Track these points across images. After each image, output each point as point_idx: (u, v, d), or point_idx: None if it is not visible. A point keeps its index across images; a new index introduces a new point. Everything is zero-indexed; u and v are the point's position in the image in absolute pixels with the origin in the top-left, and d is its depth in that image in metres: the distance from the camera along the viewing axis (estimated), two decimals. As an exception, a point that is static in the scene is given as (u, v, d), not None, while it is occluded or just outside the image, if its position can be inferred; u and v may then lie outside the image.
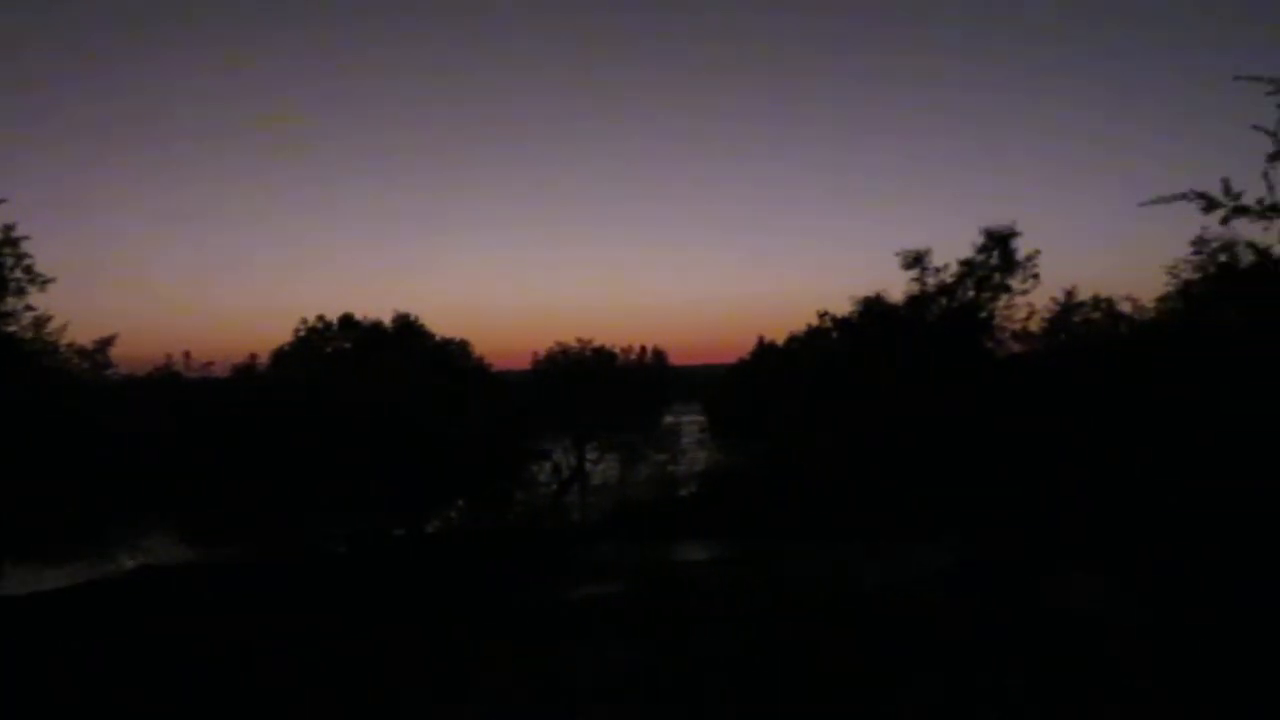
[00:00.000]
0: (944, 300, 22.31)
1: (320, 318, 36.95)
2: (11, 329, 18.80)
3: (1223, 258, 18.71)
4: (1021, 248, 22.05)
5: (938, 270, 22.38)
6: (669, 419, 47.04)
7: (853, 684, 11.51)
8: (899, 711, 10.75)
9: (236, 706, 13.22)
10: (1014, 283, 21.85)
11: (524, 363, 45.83)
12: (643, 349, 46.54)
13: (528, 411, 38.36)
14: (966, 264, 22.10)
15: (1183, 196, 6.82)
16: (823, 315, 30.84)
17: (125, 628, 18.32)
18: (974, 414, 19.98)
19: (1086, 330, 20.39)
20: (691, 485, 41.52)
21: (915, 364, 21.46)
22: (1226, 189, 6.46)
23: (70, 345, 19.96)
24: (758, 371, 42.21)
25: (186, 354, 26.68)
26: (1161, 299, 20.15)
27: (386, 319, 37.77)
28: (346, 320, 37.30)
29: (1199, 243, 18.41)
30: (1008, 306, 21.98)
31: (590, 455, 44.63)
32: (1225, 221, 6.54)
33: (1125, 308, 20.55)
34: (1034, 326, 21.53)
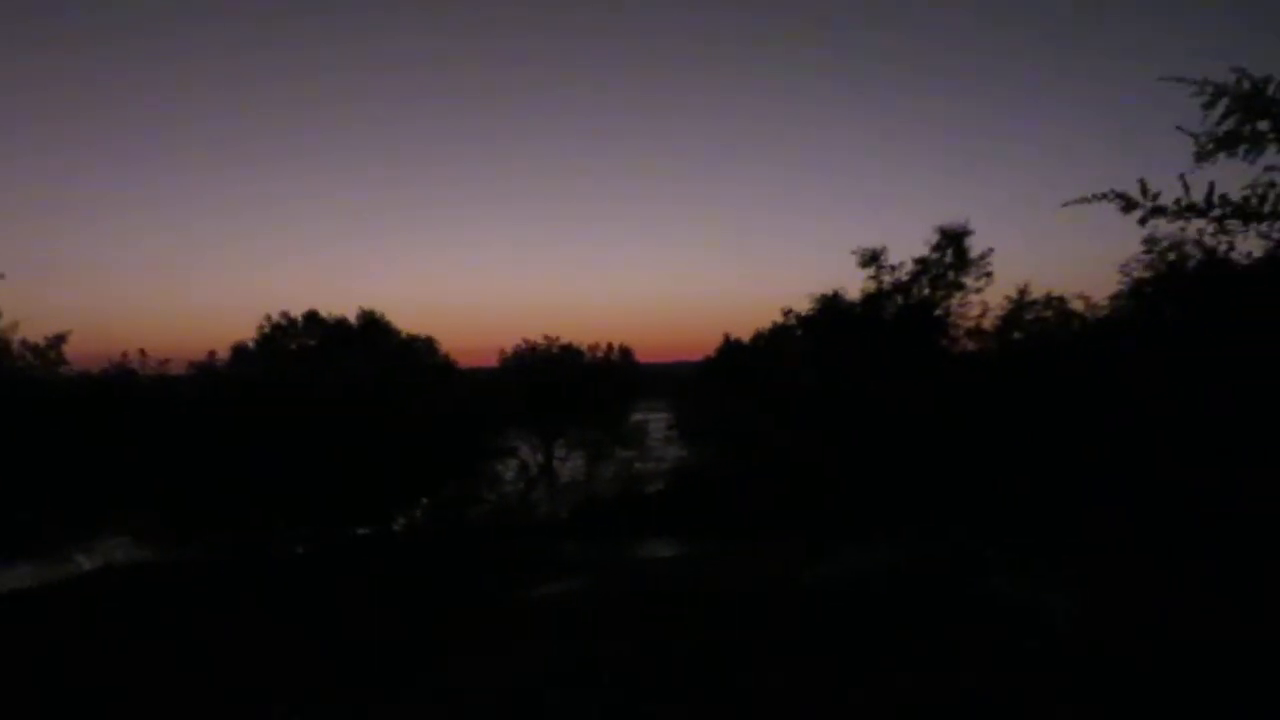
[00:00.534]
0: (899, 298, 22.56)
1: (285, 315, 36.76)
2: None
3: (1172, 257, 19.02)
4: (975, 246, 22.34)
5: (893, 268, 22.64)
6: (636, 416, 47.15)
7: (800, 680, 11.64)
8: (847, 707, 10.89)
9: (194, 704, 13.22)
10: (968, 280, 22.13)
11: (491, 360, 45.88)
12: (609, 346, 46.66)
13: (494, 409, 38.31)
14: (921, 262, 22.34)
15: (1103, 197, 6.96)
16: (787, 313, 30.98)
17: (99, 627, 18.23)
18: (928, 411, 20.22)
19: (1039, 328, 20.68)
20: (658, 483, 41.61)
21: (871, 361, 21.67)
22: (1144, 190, 6.59)
23: (23, 342, 19.76)
24: (724, 369, 42.32)
25: (141, 351, 26.38)
26: (1114, 297, 20.45)
27: (351, 316, 37.68)
28: (311, 317, 37.12)
29: (1150, 242, 18.72)
30: (962, 304, 22.26)
31: (558, 453, 44.70)
32: (1143, 222, 6.68)
33: (1078, 306, 20.84)
34: (987, 324, 21.81)
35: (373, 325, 37.09)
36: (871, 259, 22.50)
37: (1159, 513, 15.80)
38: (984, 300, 22.05)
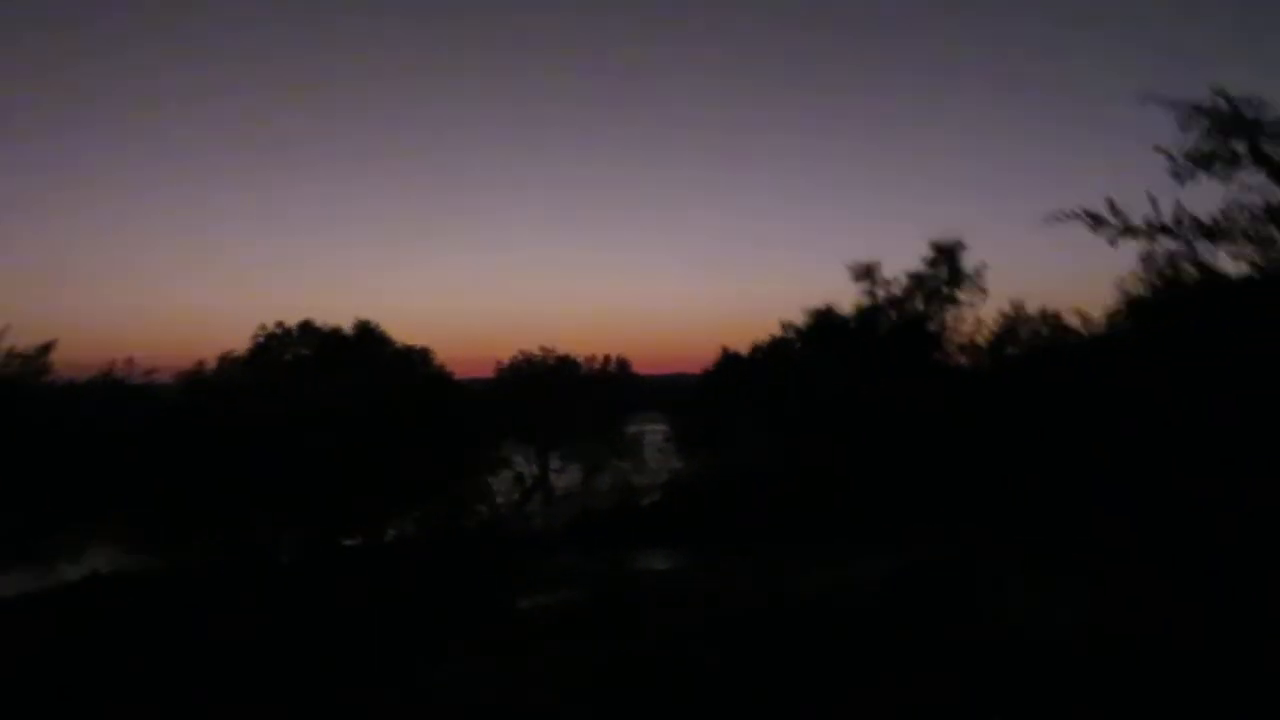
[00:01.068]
0: (893, 313, 22.45)
1: (280, 324, 36.64)
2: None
3: (1169, 274, 18.86)
4: (969, 260, 22.22)
5: (887, 282, 22.55)
6: (633, 428, 46.98)
7: (790, 691, 11.54)
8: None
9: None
10: (961, 295, 22.03)
11: (488, 371, 45.77)
12: (606, 358, 46.57)
13: (490, 420, 38.17)
14: (915, 277, 22.25)
15: (1074, 215, 6.84)
16: (786, 326, 30.92)
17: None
18: (922, 425, 20.10)
19: (1034, 343, 20.53)
20: (654, 494, 41.42)
21: (866, 376, 21.56)
22: (1112, 208, 6.49)
23: (11, 350, 19.69)
24: (721, 381, 42.19)
25: (129, 359, 26.26)
26: (1111, 314, 20.32)
27: (347, 326, 37.54)
28: (306, 327, 36.98)
29: (1147, 259, 18.55)
30: (956, 319, 22.13)
31: (553, 464, 44.53)
32: (1113, 242, 6.56)
33: (1073, 321, 20.68)
34: (981, 339, 21.66)
35: (368, 335, 36.87)
36: (865, 273, 22.44)
37: (1162, 521, 15.66)
38: (978, 315, 21.95)
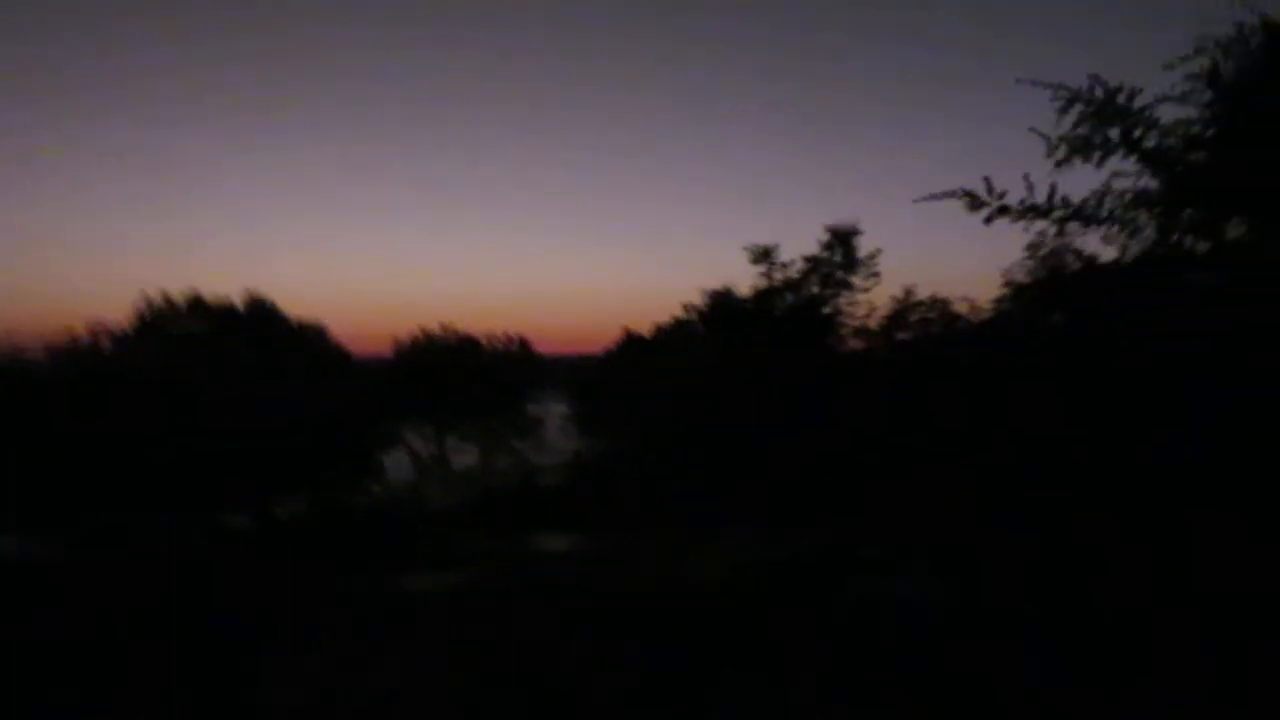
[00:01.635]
0: (789, 295, 22.66)
1: (165, 297, 35.28)
2: None
3: (1052, 262, 19.40)
4: (864, 246, 22.54)
5: (784, 265, 22.71)
6: (534, 408, 46.80)
7: (669, 678, 11.49)
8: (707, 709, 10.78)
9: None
10: (856, 280, 22.33)
11: (387, 350, 44.97)
12: (508, 337, 46.14)
13: (387, 398, 37.50)
14: (811, 260, 22.45)
15: (951, 194, 6.87)
16: (687, 308, 30.94)
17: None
18: (817, 407, 20.34)
19: (923, 328, 20.99)
20: (555, 475, 41.28)
21: (762, 357, 21.73)
22: (989, 188, 6.52)
23: None
24: (622, 362, 42.23)
25: (-1, 331, 24.86)
26: (997, 300, 20.82)
27: (239, 300, 36.37)
28: (194, 301, 35.69)
29: (1032, 247, 19.03)
30: (850, 303, 22.44)
31: (452, 443, 44.05)
32: (989, 221, 6.61)
33: (962, 308, 21.16)
34: (873, 324, 22.03)
35: (260, 311, 35.82)
36: (763, 255, 22.53)
37: (1044, 505, 16.11)
38: (871, 300, 22.32)
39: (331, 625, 16.69)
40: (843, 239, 22.05)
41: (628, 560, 22.41)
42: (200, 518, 28.77)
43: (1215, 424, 6.93)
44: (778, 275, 22.39)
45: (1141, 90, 6.77)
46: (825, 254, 22.09)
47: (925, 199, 6.70)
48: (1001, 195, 6.53)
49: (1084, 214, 6.54)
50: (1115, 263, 7.08)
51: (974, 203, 6.57)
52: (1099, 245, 7.17)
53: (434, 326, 43.87)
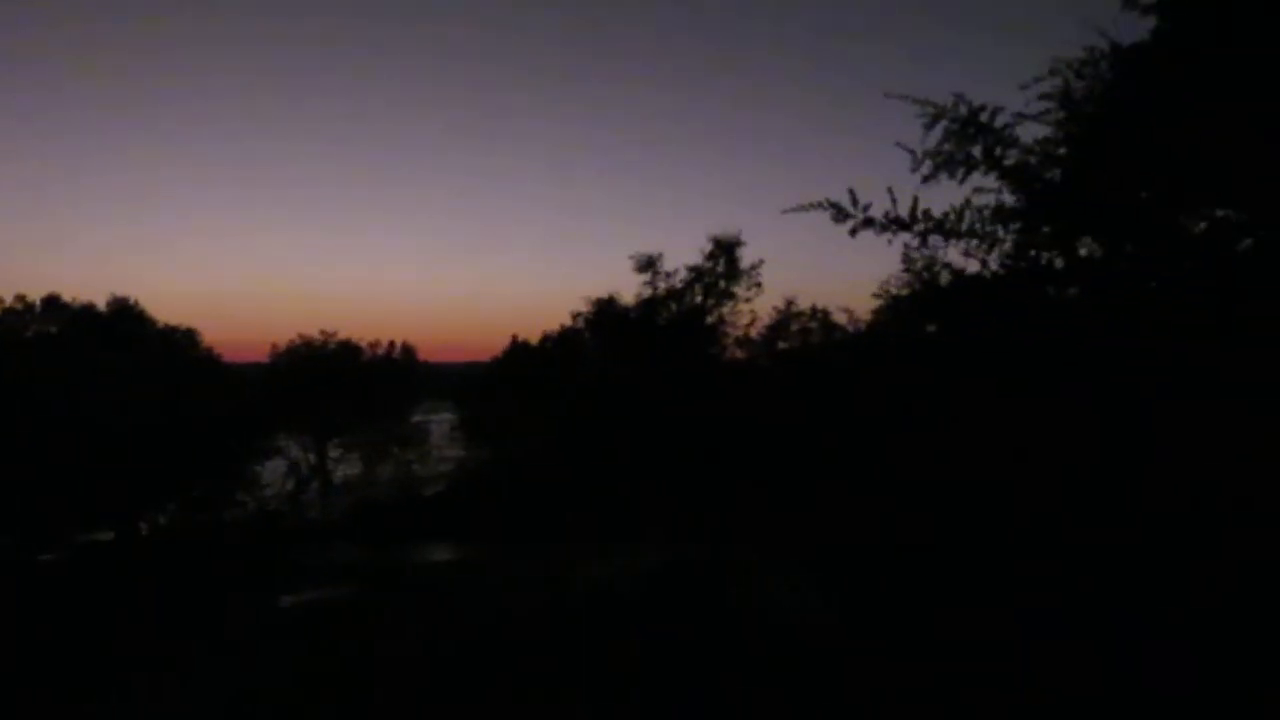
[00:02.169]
0: (673, 304, 22.77)
1: (20, 297, 33.24)
2: None
3: (926, 276, 19.90)
4: (747, 257, 22.82)
5: (668, 275, 22.83)
6: (419, 417, 45.81)
7: (540, 689, 11.28)
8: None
9: None
10: (738, 290, 22.60)
11: (264, 355, 43.35)
12: (391, 344, 45.04)
13: (263, 406, 36.11)
14: (695, 270, 22.64)
15: (818, 205, 6.84)
16: (575, 316, 30.80)
17: None
18: (699, 416, 20.43)
19: (802, 338, 21.33)
20: (439, 485, 40.52)
21: (646, 365, 21.75)
22: (854, 200, 6.51)
23: None
24: (509, 370, 41.71)
25: None
26: (875, 311, 21.31)
27: (100, 302, 34.52)
28: (51, 302, 33.72)
29: (907, 260, 19.50)
30: (732, 313, 22.69)
31: (333, 453, 42.73)
32: (854, 233, 6.60)
33: (841, 318, 21.59)
34: (755, 333, 22.31)
35: (125, 314, 34.04)
36: (647, 264, 22.59)
37: (922, 520, 16.39)
38: (753, 310, 22.59)
39: (187, 646, 15.91)
40: (726, 249, 22.27)
41: (511, 572, 22.10)
42: (56, 533, 27.19)
43: (1069, 434, 7.10)
44: (661, 284, 22.50)
45: (1003, 109, 6.90)
46: (708, 264, 22.29)
47: (792, 210, 6.66)
48: (866, 208, 6.54)
49: (945, 228, 6.60)
50: (981, 276, 7.18)
51: (839, 214, 6.55)
52: (961, 259, 7.26)
53: (313, 332, 42.56)
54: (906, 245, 7.51)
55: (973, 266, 8.08)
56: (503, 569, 22.39)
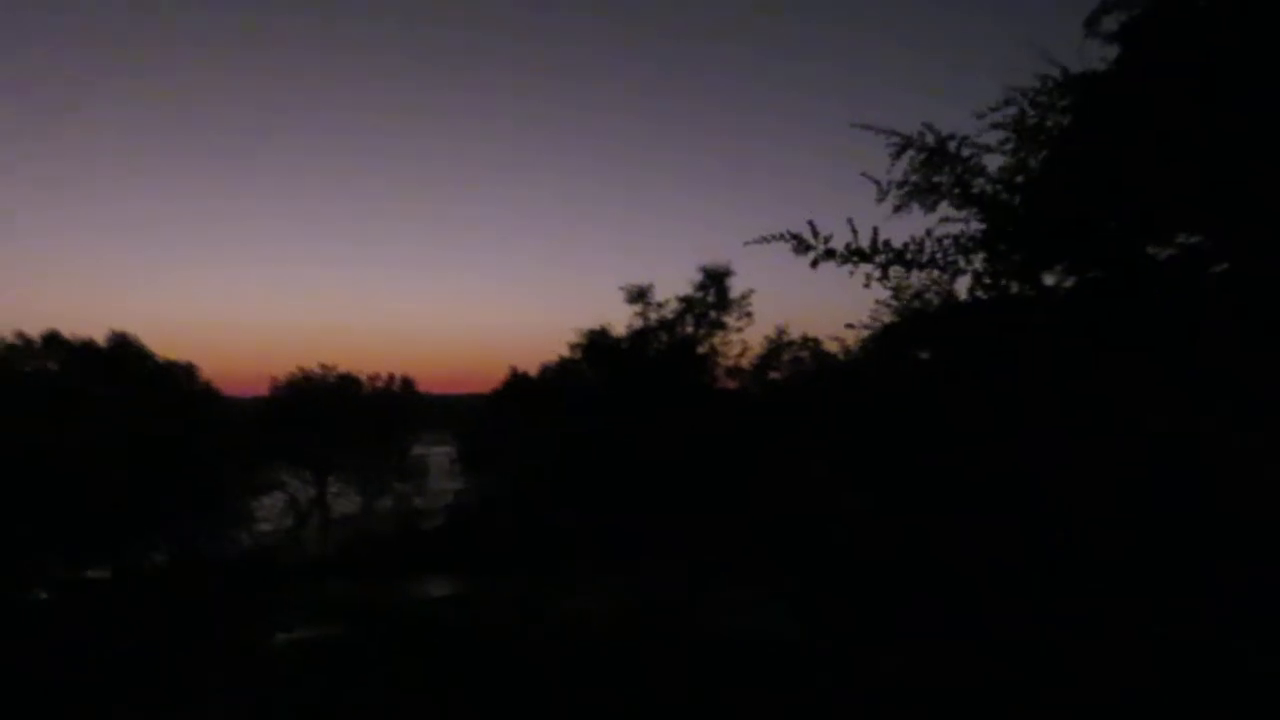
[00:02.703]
0: (664, 335, 22.79)
1: (19, 334, 33.32)
2: None
3: (916, 304, 19.90)
4: (736, 287, 22.85)
5: (659, 305, 22.87)
6: (419, 449, 45.71)
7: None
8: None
9: None
10: (729, 320, 22.62)
11: (263, 389, 43.37)
12: (390, 376, 45.05)
13: (261, 440, 36.12)
14: (685, 300, 22.67)
15: (780, 237, 6.86)
16: (573, 347, 30.84)
17: None
18: (691, 444, 20.39)
19: (794, 367, 21.31)
20: (438, 518, 40.35)
21: (637, 396, 21.74)
22: (814, 231, 6.53)
23: None
24: (507, 402, 41.64)
25: None
26: (866, 340, 21.27)
27: (100, 337, 34.60)
28: (51, 339, 33.80)
29: (897, 289, 19.51)
30: (723, 342, 22.69)
31: (332, 487, 42.63)
32: (815, 265, 6.61)
33: (832, 347, 21.59)
34: (746, 363, 22.29)
35: (124, 349, 34.10)
36: (639, 295, 22.65)
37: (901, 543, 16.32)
38: (744, 340, 22.61)
39: (183, 684, 15.79)
40: (716, 279, 22.33)
41: (507, 606, 21.99)
42: (54, 568, 27.11)
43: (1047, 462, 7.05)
44: (653, 315, 22.54)
45: (967, 138, 6.92)
46: (699, 294, 22.34)
47: (754, 242, 6.67)
48: (828, 239, 6.55)
49: (905, 259, 6.61)
50: (967, 304, 7.18)
51: (800, 246, 6.56)
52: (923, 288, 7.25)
53: (312, 365, 42.61)
54: (868, 275, 7.49)
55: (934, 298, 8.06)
56: (494, 603, 22.29)
